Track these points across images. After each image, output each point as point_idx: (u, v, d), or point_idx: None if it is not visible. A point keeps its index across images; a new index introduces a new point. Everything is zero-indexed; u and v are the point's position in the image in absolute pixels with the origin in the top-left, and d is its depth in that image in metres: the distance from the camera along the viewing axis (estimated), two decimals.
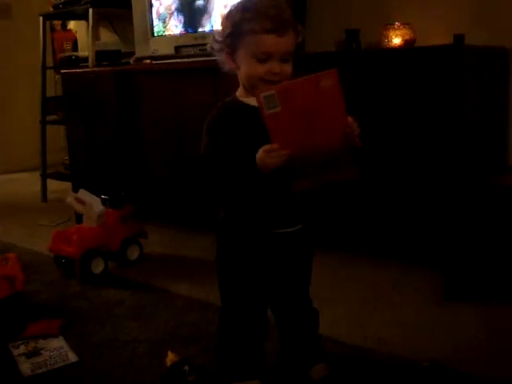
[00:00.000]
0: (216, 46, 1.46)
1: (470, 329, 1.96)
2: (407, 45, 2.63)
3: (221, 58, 1.47)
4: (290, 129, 1.31)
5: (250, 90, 1.42)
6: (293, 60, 1.42)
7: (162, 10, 3.30)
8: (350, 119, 1.35)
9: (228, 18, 1.43)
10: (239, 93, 1.48)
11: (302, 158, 1.34)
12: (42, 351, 1.90)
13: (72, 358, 1.86)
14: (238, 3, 1.44)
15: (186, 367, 1.70)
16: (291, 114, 1.30)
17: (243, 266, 1.52)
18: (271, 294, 1.60)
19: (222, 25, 1.46)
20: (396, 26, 2.65)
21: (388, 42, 2.67)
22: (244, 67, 1.41)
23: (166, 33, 3.32)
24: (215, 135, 1.42)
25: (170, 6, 3.25)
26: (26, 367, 1.81)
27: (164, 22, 3.31)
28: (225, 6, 2.98)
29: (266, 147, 1.30)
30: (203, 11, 3.12)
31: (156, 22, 3.34)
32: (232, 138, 1.40)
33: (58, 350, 1.91)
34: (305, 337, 1.66)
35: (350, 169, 1.40)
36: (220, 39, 1.44)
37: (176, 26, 3.26)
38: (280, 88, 1.30)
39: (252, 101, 1.39)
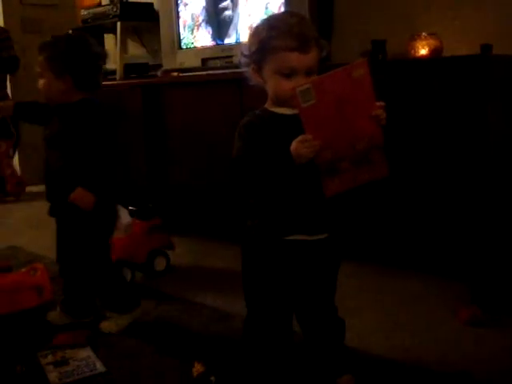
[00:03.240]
0: (243, 61, 1.51)
1: (497, 340, 1.94)
2: (434, 55, 2.62)
3: (248, 72, 1.51)
4: (323, 120, 1.35)
5: (278, 101, 1.46)
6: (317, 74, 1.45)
7: (189, 21, 3.33)
8: (379, 104, 1.39)
9: (255, 35, 1.47)
10: (267, 104, 1.51)
11: (333, 150, 1.37)
12: (69, 361, 1.92)
13: (100, 368, 1.87)
14: (265, 20, 1.49)
15: (213, 378, 1.70)
16: (325, 105, 1.34)
17: (269, 274, 1.52)
18: (297, 302, 1.60)
19: (249, 40, 1.49)
20: (423, 37, 2.64)
21: (415, 52, 2.65)
22: (270, 83, 1.45)
23: (195, 43, 3.35)
24: (247, 138, 1.45)
25: (198, 17, 3.29)
26: (53, 376, 1.83)
27: (192, 33, 3.34)
28: (249, 15, 3.00)
29: (300, 138, 1.35)
30: (229, 22, 3.14)
31: (184, 32, 3.38)
32: (263, 142, 1.42)
33: (85, 359, 1.92)
34: (331, 346, 1.65)
35: (380, 166, 1.43)
36: (247, 54, 1.48)
37: (205, 37, 3.29)
38: (316, 81, 1.35)
39: (280, 110, 1.46)
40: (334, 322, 1.64)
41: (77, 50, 2.04)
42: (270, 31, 1.42)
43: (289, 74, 1.41)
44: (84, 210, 1.99)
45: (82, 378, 1.82)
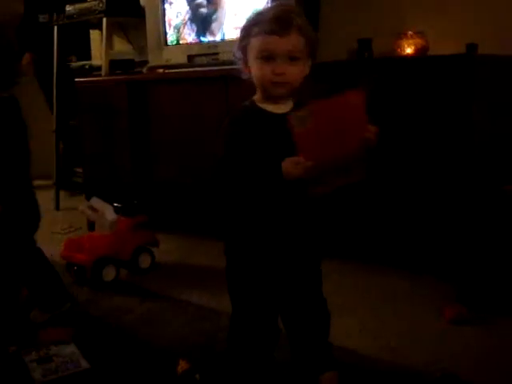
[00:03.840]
0: (237, 55, 1.51)
1: (483, 339, 1.95)
2: (420, 54, 2.63)
3: (240, 65, 1.51)
4: (316, 144, 1.36)
5: (265, 94, 1.46)
6: (310, 63, 1.47)
7: (176, 20, 3.33)
8: (371, 129, 1.41)
9: (242, 27, 1.49)
10: (256, 98, 1.50)
11: (322, 168, 1.38)
12: (53, 357, 1.90)
13: (84, 364, 1.86)
14: (254, 12, 1.49)
15: (197, 375, 1.70)
16: (319, 131, 1.35)
17: (254, 270, 1.52)
18: (283, 298, 1.59)
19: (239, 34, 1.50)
20: (409, 35, 2.65)
21: (400, 51, 2.67)
22: (253, 70, 1.45)
23: (181, 41, 3.34)
24: (232, 138, 1.45)
25: (184, 15, 3.28)
26: (37, 373, 1.81)
27: (178, 32, 3.34)
28: (235, 15, 3.00)
29: (293, 160, 1.35)
30: (214, 20, 3.14)
31: (170, 31, 3.37)
32: (248, 141, 1.42)
33: (69, 356, 1.91)
34: (316, 340, 1.64)
35: (360, 172, 1.45)
36: (238, 49, 1.49)
37: (189, 35, 3.29)
38: (312, 109, 1.35)
39: (269, 107, 1.46)
40: (323, 313, 1.64)
41: None
42: (252, 19, 1.45)
43: (267, 56, 1.40)
44: None
45: (67, 374, 1.81)
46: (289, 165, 1.35)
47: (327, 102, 1.36)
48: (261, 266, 1.51)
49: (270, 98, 1.46)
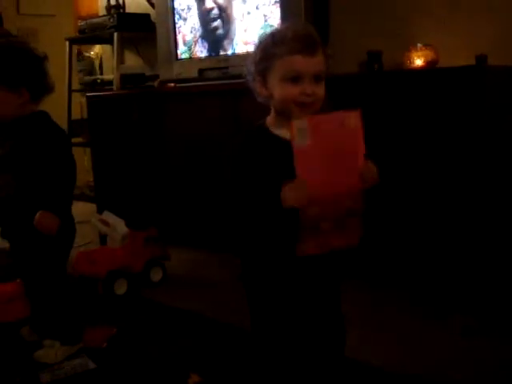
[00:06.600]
0: (250, 78, 1.45)
1: (492, 350, 1.94)
2: (429, 66, 2.63)
3: (255, 87, 1.44)
4: (314, 165, 1.30)
5: (284, 117, 1.39)
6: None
7: (189, 36, 3.35)
8: (369, 163, 1.35)
9: (259, 46, 1.43)
10: (269, 121, 1.44)
11: (320, 206, 1.32)
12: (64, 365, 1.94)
13: (91, 365, 1.90)
14: (269, 32, 1.45)
15: None
16: (318, 149, 1.29)
17: (276, 295, 1.46)
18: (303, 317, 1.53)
19: (253, 53, 1.44)
20: (418, 48, 2.66)
21: (410, 63, 2.67)
22: (277, 91, 1.38)
23: (193, 57, 3.36)
24: (241, 167, 1.40)
25: (196, 33, 3.31)
26: (45, 375, 1.86)
27: (190, 49, 3.36)
28: (245, 31, 3.01)
29: (289, 183, 1.29)
30: (225, 36, 3.16)
31: (184, 47, 3.40)
32: (258, 170, 1.37)
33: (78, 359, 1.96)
34: (327, 359, 1.60)
35: (354, 233, 1.40)
36: (252, 69, 1.43)
37: (201, 52, 3.31)
38: (312, 120, 1.30)
39: (283, 133, 1.38)
40: (339, 331, 1.58)
41: (27, 57, 1.88)
42: (273, 38, 1.39)
43: (295, 77, 1.34)
44: (47, 234, 1.84)
45: (74, 373, 1.85)
46: (286, 189, 1.28)
47: (325, 117, 1.31)
48: (283, 287, 1.46)
49: (289, 117, 1.37)
